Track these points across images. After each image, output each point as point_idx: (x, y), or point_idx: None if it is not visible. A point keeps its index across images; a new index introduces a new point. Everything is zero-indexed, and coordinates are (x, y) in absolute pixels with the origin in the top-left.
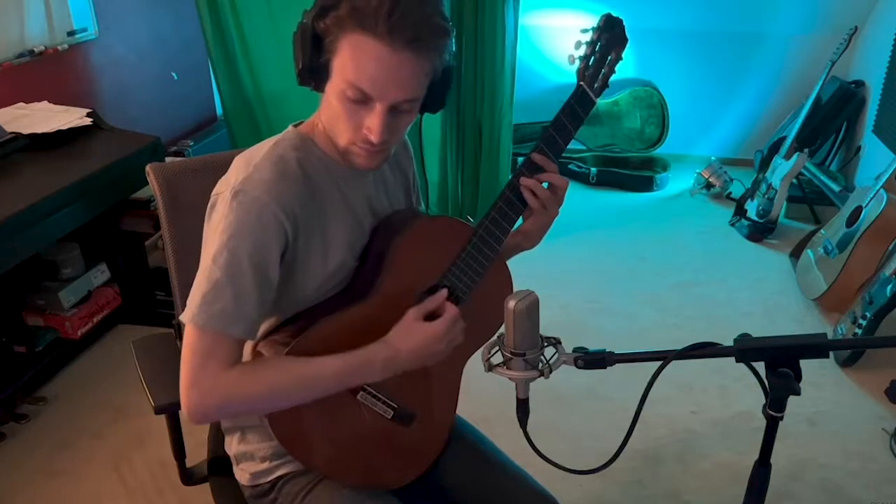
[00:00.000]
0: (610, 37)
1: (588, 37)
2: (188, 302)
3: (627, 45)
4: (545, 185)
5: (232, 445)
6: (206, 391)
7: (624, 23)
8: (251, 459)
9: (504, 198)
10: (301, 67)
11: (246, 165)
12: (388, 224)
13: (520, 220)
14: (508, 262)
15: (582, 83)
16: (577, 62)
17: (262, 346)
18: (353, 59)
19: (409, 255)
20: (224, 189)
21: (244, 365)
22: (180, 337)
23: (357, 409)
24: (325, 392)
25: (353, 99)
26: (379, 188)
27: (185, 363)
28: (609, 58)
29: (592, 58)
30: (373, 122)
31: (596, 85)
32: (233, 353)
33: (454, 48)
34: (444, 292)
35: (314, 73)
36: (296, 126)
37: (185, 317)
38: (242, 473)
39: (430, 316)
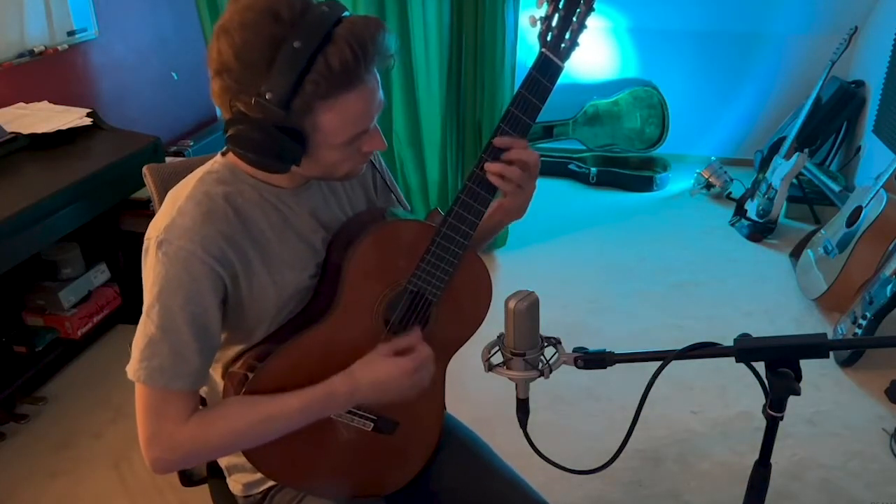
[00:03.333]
0: None
1: None
2: (132, 354)
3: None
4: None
5: (223, 457)
6: (165, 448)
7: None
8: (242, 471)
9: (467, 190)
10: (278, 157)
11: (172, 206)
12: (342, 234)
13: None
14: (509, 262)
15: (544, 49)
16: (539, 25)
17: (230, 374)
18: (343, 118)
19: (367, 264)
20: (152, 235)
21: (200, 416)
22: None
23: (334, 429)
24: (290, 429)
25: (351, 142)
26: (328, 198)
27: (139, 421)
28: (577, 10)
29: (556, 16)
30: (376, 143)
31: (563, 46)
32: (184, 406)
33: None
34: (417, 331)
35: (294, 158)
36: (224, 154)
37: (129, 371)
38: (235, 484)
39: (403, 353)
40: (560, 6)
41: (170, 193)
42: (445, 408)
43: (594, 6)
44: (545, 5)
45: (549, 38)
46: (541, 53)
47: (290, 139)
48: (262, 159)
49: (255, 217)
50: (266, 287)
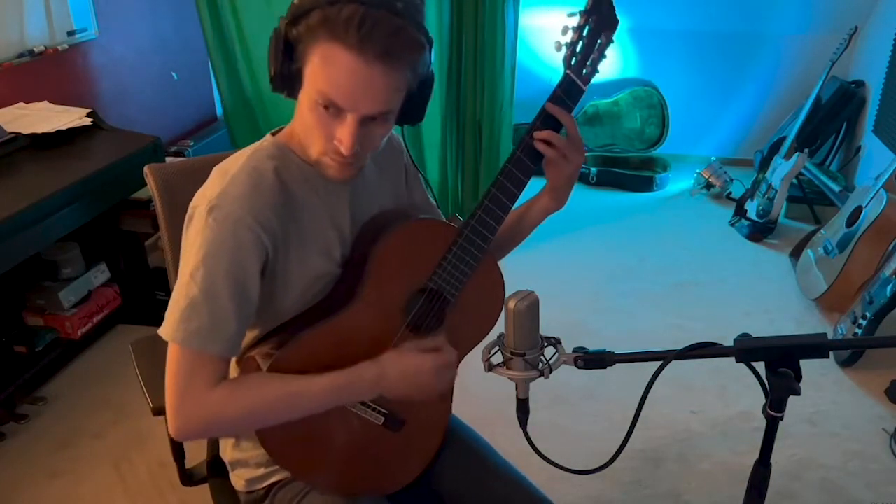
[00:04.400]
0: (598, 19)
1: (575, 20)
2: (166, 316)
3: (618, 27)
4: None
5: (227, 452)
6: (191, 411)
7: (613, 3)
8: (246, 466)
9: (514, 159)
10: (273, 74)
11: (222, 178)
12: (371, 228)
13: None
14: (509, 262)
15: (568, 72)
16: (564, 49)
17: (248, 358)
18: (324, 70)
19: (390, 261)
20: (200, 203)
21: (229, 384)
22: None
23: (347, 418)
24: (312, 411)
25: (324, 109)
26: (361, 194)
27: (169, 382)
28: (598, 41)
29: (580, 43)
30: (343, 134)
31: (584, 72)
32: (216, 372)
33: (431, 60)
34: (442, 334)
35: (286, 80)
36: (273, 134)
37: (164, 332)
38: (238, 479)
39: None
40: (584, 35)
41: (216, 168)
42: (451, 411)
43: (613, 39)
44: (570, 33)
45: (573, 63)
46: (566, 75)
47: (287, 55)
48: (272, 64)
49: (298, 196)
50: (295, 267)
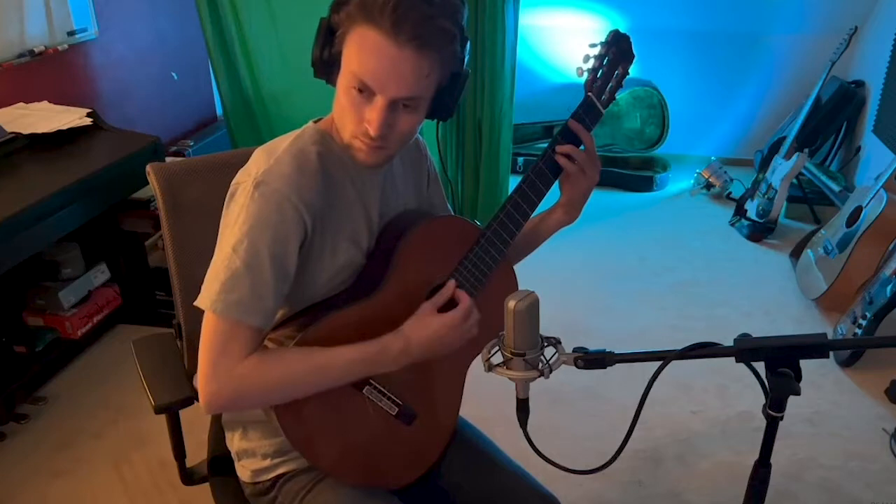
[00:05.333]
0: (617, 51)
1: (596, 51)
2: (204, 287)
3: (633, 62)
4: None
5: (234, 442)
6: (224, 380)
7: (631, 40)
8: (253, 456)
9: (536, 169)
10: (315, 59)
11: (267, 157)
12: (397, 223)
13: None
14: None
15: (590, 94)
16: (586, 74)
17: (269, 341)
18: (359, 52)
19: (415, 254)
20: (245, 179)
21: (259, 355)
22: (180, 337)
23: (362, 404)
24: (338, 381)
25: (357, 91)
26: (390, 187)
27: (203, 351)
28: (616, 72)
29: (600, 71)
30: (372, 115)
31: (603, 97)
32: (250, 343)
33: (466, 56)
34: (452, 283)
35: (326, 65)
36: (315, 122)
37: (203, 303)
38: (243, 470)
39: (444, 308)
40: (604, 64)
41: (260, 149)
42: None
43: (629, 72)
44: (591, 61)
45: (594, 87)
46: (587, 97)
47: (328, 41)
48: (316, 50)
49: (337, 182)
50: (329, 250)
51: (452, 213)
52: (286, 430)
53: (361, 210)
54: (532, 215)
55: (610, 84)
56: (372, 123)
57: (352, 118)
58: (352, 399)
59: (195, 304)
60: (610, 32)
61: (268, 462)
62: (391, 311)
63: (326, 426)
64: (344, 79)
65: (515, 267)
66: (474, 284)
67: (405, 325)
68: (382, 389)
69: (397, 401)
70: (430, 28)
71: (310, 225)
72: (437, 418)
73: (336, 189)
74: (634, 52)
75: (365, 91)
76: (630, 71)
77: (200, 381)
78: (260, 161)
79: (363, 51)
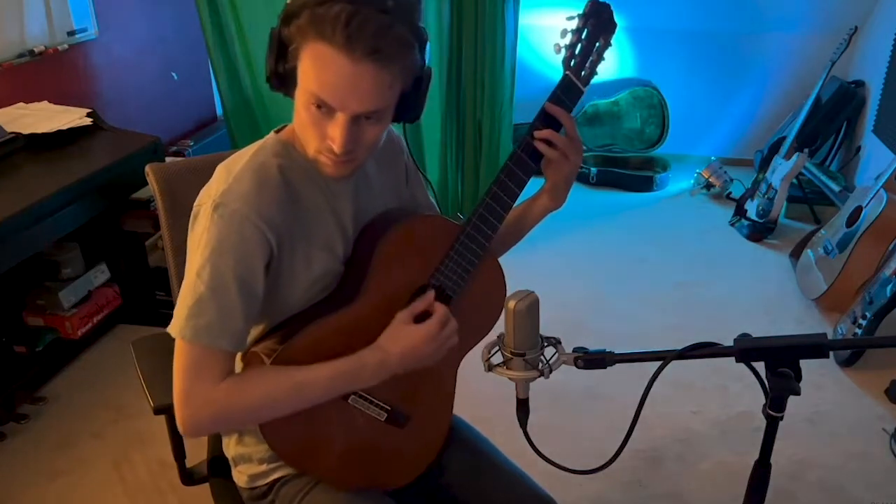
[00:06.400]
0: (597, 23)
1: (574, 24)
2: (175, 314)
3: (616, 31)
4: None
5: (230, 447)
6: (199, 406)
7: (612, 7)
8: (249, 461)
9: (515, 157)
10: (269, 73)
11: (227, 175)
12: (373, 227)
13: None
14: (509, 262)
15: (568, 73)
16: (563, 51)
17: (251, 354)
18: (314, 69)
19: (393, 258)
20: (205, 200)
21: (235, 378)
22: None
23: (349, 414)
24: (317, 400)
25: (316, 107)
26: (363, 192)
27: (176, 378)
28: (597, 44)
29: (579, 45)
30: (335, 133)
31: (583, 73)
32: (223, 367)
33: (425, 59)
34: (431, 293)
35: (282, 79)
36: (277, 132)
37: (172, 330)
38: (240, 475)
39: (421, 318)
40: (583, 37)
41: (221, 165)
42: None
43: (612, 42)
44: (569, 35)
45: (572, 64)
46: (565, 76)
47: (281, 55)
48: (268, 64)
49: (303, 193)
50: (300, 263)
51: (436, 206)
52: (274, 447)
53: (332, 217)
54: (515, 205)
55: (590, 58)
56: (335, 141)
57: (314, 134)
58: (339, 410)
59: (167, 330)
60: (588, 2)
61: (264, 467)
62: (372, 318)
63: (316, 439)
64: (302, 96)
65: (514, 265)
66: (457, 283)
67: (381, 338)
68: (368, 397)
69: (385, 406)
70: (387, 39)
71: (274, 242)
72: (432, 417)
73: (302, 200)
74: (616, 21)
75: (324, 107)
76: (612, 42)
77: (176, 407)
78: (220, 179)
79: (319, 68)
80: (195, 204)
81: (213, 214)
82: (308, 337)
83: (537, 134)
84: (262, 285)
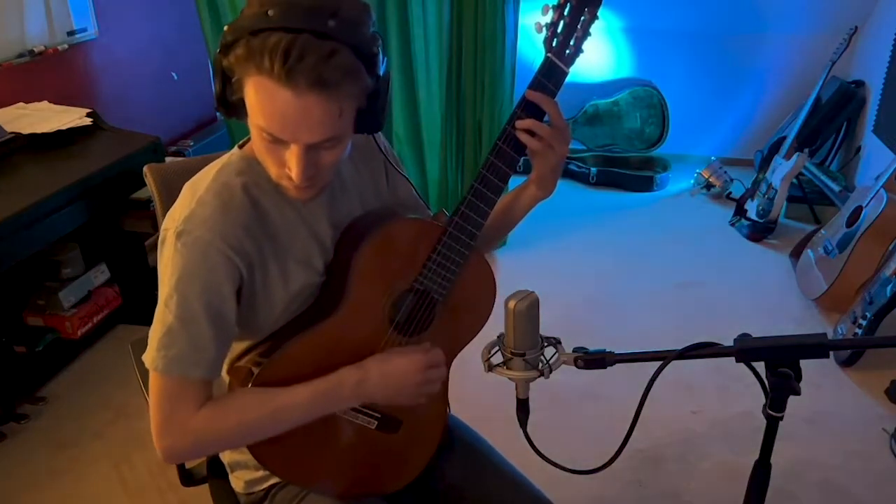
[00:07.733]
0: None
1: None
2: (148, 343)
3: (602, 4)
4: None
5: (226, 453)
6: (178, 435)
7: None
8: (245, 468)
9: (496, 150)
10: (217, 98)
11: (191, 197)
12: (351, 232)
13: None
14: (509, 262)
15: (549, 54)
16: (545, 31)
17: (236, 368)
18: (258, 103)
19: (373, 265)
20: (170, 226)
21: (213, 405)
22: None
23: (340, 425)
24: (299, 422)
25: (269, 138)
26: (339, 198)
27: (153, 409)
28: (582, 19)
29: (561, 23)
30: (291, 163)
31: (567, 52)
32: (199, 395)
33: (380, 69)
34: (427, 344)
35: (231, 108)
36: (241, 146)
37: (146, 360)
38: (237, 481)
39: None
40: (565, 13)
41: (187, 185)
42: (449, 409)
43: (598, 15)
44: (551, 12)
45: (554, 44)
46: (546, 58)
47: (225, 83)
48: (214, 87)
49: (271, 210)
50: (276, 281)
51: (422, 202)
52: (264, 463)
53: (306, 230)
54: (499, 199)
55: (574, 35)
56: (293, 171)
57: (272, 162)
58: (329, 422)
59: (142, 359)
60: None
61: (260, 473)
62: (353, 329)
63: (305, 452)
64: (254, 127)
65: (515, 266)
66: (443, 284)
67: (367, 359)
68: (357, 407)
69: (374, 414)
70: (329, 68)
71: (243, 266)
72: (425, 420)
73: (271, 217)
74: None
75: (276, 138)
76: (598, 15)
77: (155, 437)
78: (184, 203)
79: (263, 102)
80: (161, 228)
81: (176, 243)
82: (288, 353)
83: (518, 124)
84: (233, 311)
